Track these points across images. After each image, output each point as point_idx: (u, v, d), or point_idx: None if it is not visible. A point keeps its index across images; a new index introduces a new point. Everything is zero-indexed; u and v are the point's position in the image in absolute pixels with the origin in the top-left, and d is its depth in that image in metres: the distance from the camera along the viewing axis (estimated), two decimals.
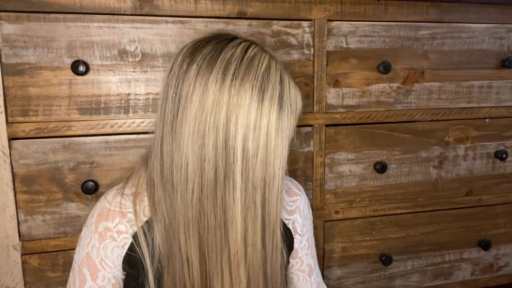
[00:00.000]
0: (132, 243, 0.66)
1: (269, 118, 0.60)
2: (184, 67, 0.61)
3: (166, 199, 0.62)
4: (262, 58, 0.63)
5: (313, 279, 0.81)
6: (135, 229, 0.65)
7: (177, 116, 0.60)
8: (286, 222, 0.76)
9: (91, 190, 0.86)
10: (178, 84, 0.61)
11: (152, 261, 0.65)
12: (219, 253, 0.62)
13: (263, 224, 0.63)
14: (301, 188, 0.81)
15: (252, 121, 0.59)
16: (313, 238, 0.83)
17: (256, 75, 0.60)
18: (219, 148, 0.59)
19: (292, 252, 0.78)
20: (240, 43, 0.63)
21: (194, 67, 0.60)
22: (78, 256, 0.68)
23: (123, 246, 0.66)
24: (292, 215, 0.77)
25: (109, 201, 0.68)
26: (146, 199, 0.67)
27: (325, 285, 0.85)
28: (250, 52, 0.62)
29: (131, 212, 0.66)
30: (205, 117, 0.58)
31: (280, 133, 0.61)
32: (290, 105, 0.63)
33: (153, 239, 0.65)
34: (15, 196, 0.85)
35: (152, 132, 0.89)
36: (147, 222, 0.66)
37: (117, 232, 0.65)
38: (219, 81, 0.59)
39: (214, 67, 0.60)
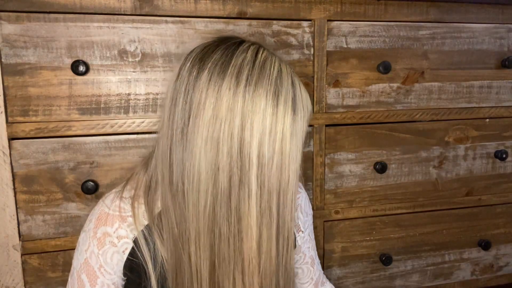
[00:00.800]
0: (133, 248, 0.64)
1: (284, 123, 0.59)
2: (194, 73, 0.60)
3: (175, 209, 0.61)
4: (273, 62, 0.62)
5: (315, 268, 0.83)
6: (136, 233, 0.64)
7: (188, 124, 0.59)
8: None
9: (91, 190, 0.86)
10: (188, 92, 0.60)
11: (155, 266, 0.64)
12: (231, 263, 0.61)
13: (278, 230, 0.62)
14: (301, 185, 0.82)
15: (268, 127, 0.58)
16: (313, 231, 0.85)
17: (269, 80, 0.60)
18: (234, 155, 0.58)
19: (296, 249, 0.79)
20: (249, 47, 0.63)
21: (205, 73, 0.59)
22: (77, 261, 0.66)
23: (123, 252, 0.65)
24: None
25: (108, 205, 0.66)
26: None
27: (324, 276, 0.87)
28: (261, 57, 0.62)
29: (131, 216, 0.65)
30: (219, 125, 0.57)
31: (294, 137, 0.61)
32: (303, 108, 0.63)
33: (154, 243, 0.64)
34: (15, 196, 0.85)
35: (152, 132, 0.90)
36: (147, 226, 0.65)
37: (117, 237, 0.64)
38: (233, 88, 0.58)
39: (227, 73, 0.59)
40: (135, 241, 0.64)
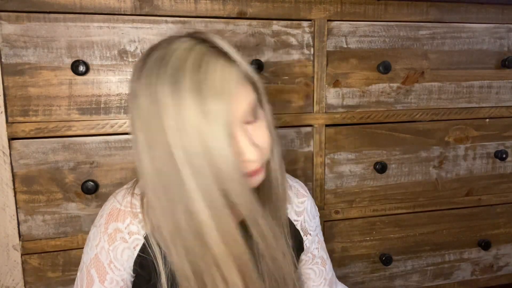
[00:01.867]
0: (144, 244, 0.64)
1: (191, 119, 0.51)
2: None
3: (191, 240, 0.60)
4: (175, 50, 0.55)
5: (328, 269, 0.82)
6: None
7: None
8: (295, 223, 0.76)
9: (91, 190, 0.86)
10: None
11: (165, 263, 0.63)
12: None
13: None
14: (306, 188, 0.82)
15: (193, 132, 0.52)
16: (321, 233, 0.84)
17: (166, 75, 0.53)
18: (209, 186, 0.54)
19: (304, 250, 0.79)
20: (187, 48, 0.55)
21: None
22: (87, 256, 0.66)
23: (134, 248, 0.64)
24: (301, 216, 0.77)
25: (119, 201, 0.66)
26: None
27: (336, 278, 0.86)
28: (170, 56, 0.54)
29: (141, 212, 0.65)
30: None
31: (214, 130, 0.52)
32: (216, 94, 0.52)
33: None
34: (15, 196, 0.85)
35: None
36: None
37: (128, 233, 0.64)
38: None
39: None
40: (146, 238, 0.64)
